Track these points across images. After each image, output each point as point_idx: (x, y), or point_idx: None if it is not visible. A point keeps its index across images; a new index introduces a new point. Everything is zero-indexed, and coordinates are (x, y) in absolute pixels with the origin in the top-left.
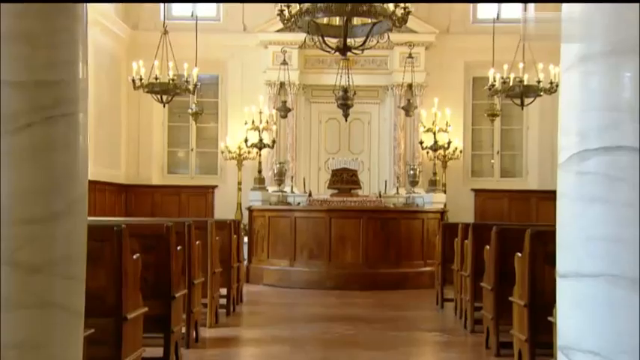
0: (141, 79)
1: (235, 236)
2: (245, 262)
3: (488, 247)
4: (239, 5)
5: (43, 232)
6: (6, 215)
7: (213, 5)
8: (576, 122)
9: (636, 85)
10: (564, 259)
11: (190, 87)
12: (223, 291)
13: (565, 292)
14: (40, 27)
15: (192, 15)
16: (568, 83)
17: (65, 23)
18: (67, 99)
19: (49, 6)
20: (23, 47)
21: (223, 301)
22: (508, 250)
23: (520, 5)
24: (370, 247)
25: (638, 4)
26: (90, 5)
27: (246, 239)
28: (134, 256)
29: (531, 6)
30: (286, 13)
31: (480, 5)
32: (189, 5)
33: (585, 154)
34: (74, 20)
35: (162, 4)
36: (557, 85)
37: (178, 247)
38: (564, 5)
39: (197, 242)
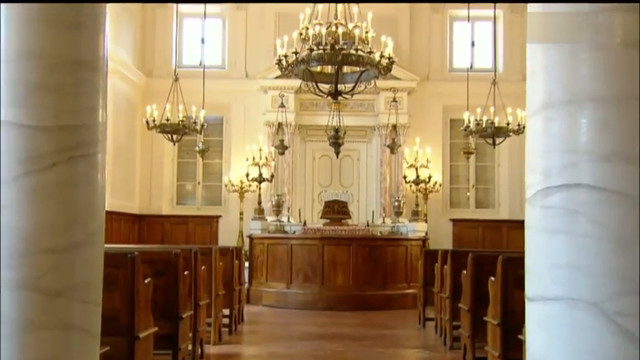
0: (154, 121)
1: (237, 261)
2: (246, 285)
3: (465, 271)
4: (242, 54)
5: (64, 261)
6: (32, 245)
7: (219, 54)
8: (540, 162)
9: (592, 129)
10: (532, 284)
11: (198, 127)
12: (226, 311)
13: (533, 313)
14: (68, 79)
15: (200, 64)
16: (533, 128)
17: (88, 76)
18: (88, 141)
19: (76, 62)
20: (52, 97)
21: (226, 320)
22: (482, 275)
23: (491, 55)
24: (359, 271)
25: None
26: (110, 55)
27: (247, 264)
28: (146, 281)
29: (500, 55)
30: (284, 62)
31: (455, 55)
32: (198, 54)
33: (549, 190)
34: (96, 73)
35: (174, 56)
36: (523, 127)
37: (185, 272)
38: (528, 59)
39: (202, 267)
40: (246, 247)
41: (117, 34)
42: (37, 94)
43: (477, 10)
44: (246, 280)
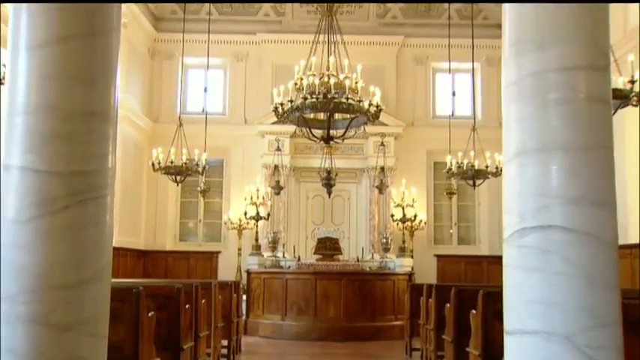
0: (159, 163)
1: (235, 295)
2: (243, 317)
3: (448, 305)
4: (241, 101)
5: (74, 296)
6: (43, 282)
7: (220, 102)
8: (516, 205)
9: (562, 175)
10: (510, 319)
11: (200, 169)
12: (225, 342)
13: (511, 346)
14: (80, 129)
15: (202, 110)
16: (508, 173)
17: (99, 125)
18: (98, 185)
19: (88, 113)
20: (65, 144)
21: (225, 351)
22: (465, 308)
23: (470, 104)
24: (350, 304)
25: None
26: (120, 103)
27: (244, 297)
28: (149, 314)
29: (479, 104)
30: (280, 109)
31: (438, 103)
32: (201, 102)
33: (524, 231)
34: (106, 122)
35: (178, 103)
36: (501, 170)
37: (187, 306)
38: (504, 112)
39: (203, 301)
40: (244, 281)
41: (127, 84)
42: (52, 142)
43: (457, 63)
44: (244, 312)
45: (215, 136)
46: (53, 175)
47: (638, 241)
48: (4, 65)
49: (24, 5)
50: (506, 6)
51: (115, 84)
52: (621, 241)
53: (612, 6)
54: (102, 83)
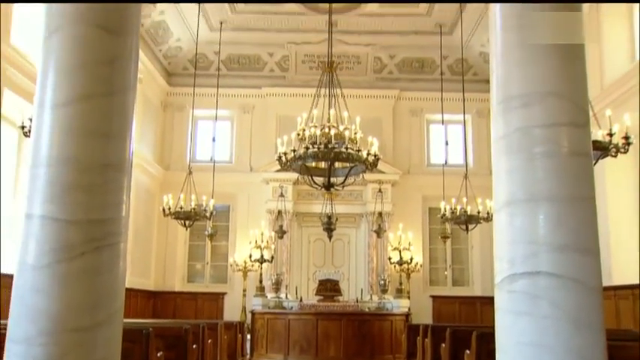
0: (169, 209)
1: (240, 335)
2: (248, 356)
3: (443, 345)
4: (247, 150)
5: (87, 339)
6: (59, 325)
7: (228, 151)
8: (506, 252)
9: (548, 224)
10: None
11: (208, 214)
12: None
13: None
14: (97, 180)
15: (210, 159)
16: (498, 222)
17: (115, 176)
18: (112, 232)
19: (105, 165)
20: (83, 195)
21: None
22: (459, 347)
23: (462, 153)
24: (349, 343)
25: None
26: (134, 152)
27: (249, 337)
28: (158, 354)
29: (470, 153)
30: (284, 158)
31: (432, 152)
32: (209, 151)
33: (513, 277)
34: (121, 173)
35: (188, 152)
36: (492, 215)
37: (194, 346)
38: (493, 164)
39: (209, 341)
40: (249, 321)
41: (141, 134)
42: (71, 192)
43: (450, 115)
44: (248, 351)
45: (222, 183)
46: (71, 224)
47: (621, 283)
48: (30, 119)
49: (51, 64)
50: (493, 65)
51: (131, 137)
52: (605, 283)
53: (589, 65)
54: (119, 137)
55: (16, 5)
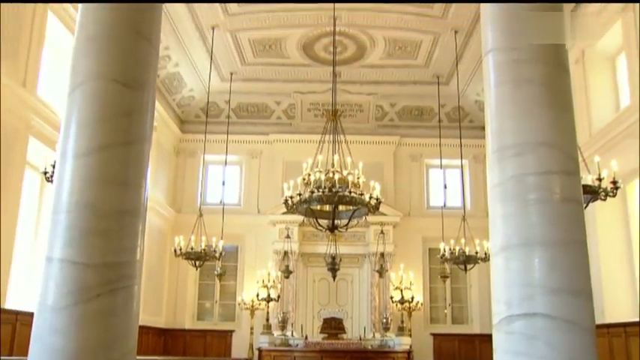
0: (181, 249)
1: None
2: None
3: None
4: (255, 193)
5: None
6: None
7: (236, 194)
8: (503, 294)
9: (543, 267)
10: None
11: (217, 255)
12: None
13: None
14: (114, 225)
15: (220, 202)
16: (495, 265)
17: (130, 221)
18: (127, 275)
19: (122, 211)
20: (100, 239)
21: None
22: None
23: (460, 196)
24: None
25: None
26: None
27: None
28: None
29: (468, 196)
30: (290, 202)
31: (431, 195)
32: (219, 194)
33: (510, 318)
34: (137, 219)
35: (199, 196)
36: (489, 256)
37: None
38: (490, 209)
39: None
40: (256, 358)
41: (154, 179)
42: (89, 237)
43: (448, 160)
44: None
45: (231, 225)
46: (89, 267)
47: (613, 321)
48: (52, 166)
49: (74, 117)
50: (488, 117)
51: (146, 185)
52: (598, 321)
53: (578, 114)
54: (135, 185)
55: (43, 58)
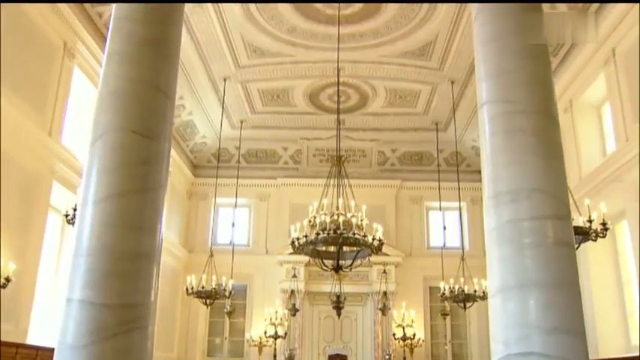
0: (192, 288)
1: None
2: None
3: None
4: (263, 235)
5: None
6: None
7: (246, 235)
8: (501, 334)
9: (538, 308)
10: None
11: (227, 293)
12: None
13: None
14: (130, 268)
15: (230, 243)
16: (493, 306)
17: (146, 264)
18: (142, 316)
19: (137, 254)
20: (117, 281)
21: None
22: None
23: (459, 236)
24: None
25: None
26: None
27: None
28: None
29: (466, 236)
30: (296, 243)
31: (431, 236)
32: (229, 235)
33: (508, 357)
34: (151, 262)
35: (210, 237)
36: (487, 294)
37: None
38: (487, 253)
39: None
40: None
41: (168, 221)
42: (107, 279)
43: (447, 202)
44: None
45: (240, 265)
46: (106, 307)
47: (607, 356)
48: (73, 209)
49: (95, 166)
50: (483, 165)
51: (161, 229)
52: (592, 357)
53: (568, 159)
54: (150, 229)
55: (68, 109)
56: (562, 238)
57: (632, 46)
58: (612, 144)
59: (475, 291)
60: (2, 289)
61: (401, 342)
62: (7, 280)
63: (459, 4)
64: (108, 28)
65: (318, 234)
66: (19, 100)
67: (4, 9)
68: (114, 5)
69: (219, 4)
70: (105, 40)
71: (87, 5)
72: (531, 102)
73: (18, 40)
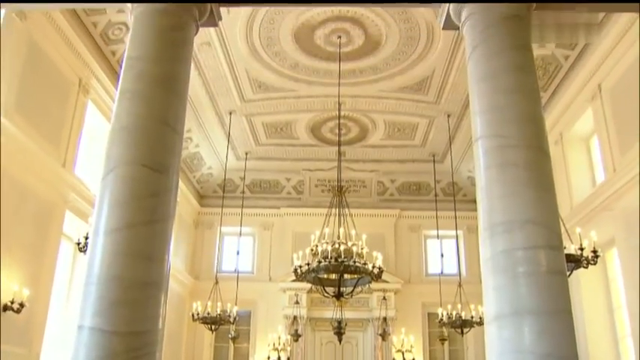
0: (198, 314)
1: None
2: None
3: None
4: (267, 262)
5: None
6: None
7: (250, 263)
8: None
9: (532, 335)
10: None
11: (231, 319)
12: None
13: None
14: (139, 296)
15: (235, 270)
16: (489, 333)
17: (154, 293)
18: (149, 342)
19: (146, 283)
20: (126, 309)
21: None
22: None
23: (456, 264)
24: None
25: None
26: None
27: None
28: None
29: (463, 263)
30: (299, 270)
31: (429, 263)
32: (234, 263)
33: None
34: (160, 290)
35: (215, 264)
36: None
37: None
38: (483, 281)
39: None
40: None
41: (175, 249)
42: (116, 307)
43: (444, 231)
44: None
45: (245, 291)
46: (115, 335)
47: None
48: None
49: (106, 198)
50: (479, 197)
51: (168, 259)
52: None
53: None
54: (158, 259)
55: (81, 141)
56: (555, 267)
57: (616, 82)
58: (601, 174)
59: (472, 317)
60: (16, 314)
61: None
62: (21, 305)
63: (453, 43)
64: (120, 66)
65: (319, 262)
66: (36, 133)
67: (25, 47)
68: (127, 45)
69: (226, 42)
70: (117, 76)
71: (101, 43)
72: (523, 137)
73: (37, 77)
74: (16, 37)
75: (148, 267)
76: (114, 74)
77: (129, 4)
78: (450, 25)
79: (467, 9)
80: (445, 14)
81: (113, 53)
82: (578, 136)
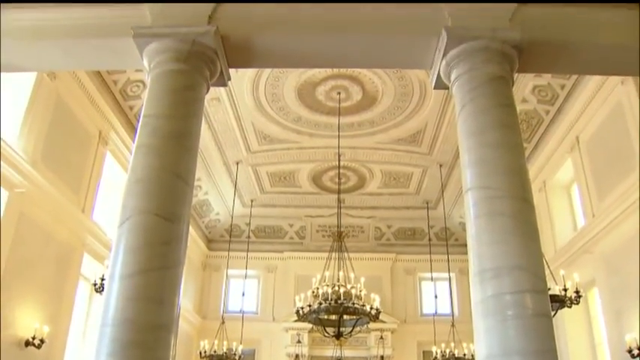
0: (205, 352)
1: None
2: None
3: None
4: (271, 303)
5: None
6: None
7: (254, 304)
8: None
9: None
10: None
11: (237, 357)
12: None
13: None
14: (150, 338)
15: (240, 310)
16: None
17: (164, 335)
18: None
19: (157, 326)
20: (137, 350)
21: None
22: None
23: (449, 304)
24: None
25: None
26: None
27: None
28: None
29: (456, 304)
30: (301, 312)
31: (424, 304)
32: (239, 304)
33: None
34: (170, 333)
35: (222, 305)
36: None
37: None
38: (474, 322)
39: None
40: None
41: (184, 290)
42: (129, 348)
43: (437, 273)
44: None
45: (249, 331)
46: None
47: None
48: (101, 279)
49: (122, 245)
50: (469, 244)
51: (178, 303)
52: None
53: (543, 233)
54: (169, 303)
55: (99, 189)
56: (540, 310)
57: (592, 134)
58: (582, 219)
59: (465, 354)
60: (37, 350)
61: None
62: (42, 341)
63: (444, 100)
64: (138, 119)
65: (320, 304)
66: (60, 180)
67: (53, 103)
68: (144, 103)
69: (234, 97)
70: (134, 129)
71: (120, 99)
72: (509, 188)
73: (61, 130)
74: (46, 95)
75: (159, 311)
76: (131, 127)
77: (146, 65)
78: (440, 85)
79: (456, 70)
80: (436, 75)
81: (131, 108)
82: (560, 184)
